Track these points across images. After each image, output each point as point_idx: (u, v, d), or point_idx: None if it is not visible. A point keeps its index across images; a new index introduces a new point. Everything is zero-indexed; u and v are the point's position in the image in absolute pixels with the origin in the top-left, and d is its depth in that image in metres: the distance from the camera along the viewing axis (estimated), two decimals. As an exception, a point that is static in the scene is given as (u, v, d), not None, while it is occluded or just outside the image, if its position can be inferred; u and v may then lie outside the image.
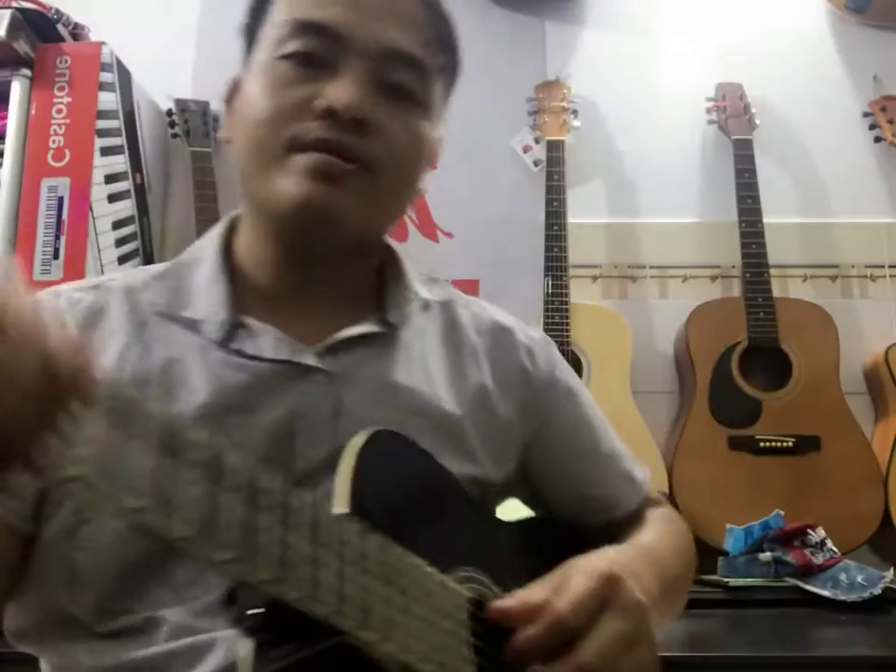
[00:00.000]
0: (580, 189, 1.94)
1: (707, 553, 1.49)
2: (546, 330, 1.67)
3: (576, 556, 0.57)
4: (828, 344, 1.71)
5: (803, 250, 1.92)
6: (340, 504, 0.48)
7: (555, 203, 1.78)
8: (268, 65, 0.65)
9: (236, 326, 0.64)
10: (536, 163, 1.95)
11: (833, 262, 1.90)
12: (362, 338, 0.67)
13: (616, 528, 0.77)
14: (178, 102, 1.90)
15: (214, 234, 0.72)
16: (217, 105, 1.95)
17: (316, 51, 0.63)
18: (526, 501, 0.75)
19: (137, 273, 0.70)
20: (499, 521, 0.69)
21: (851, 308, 1.87)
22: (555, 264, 1.74)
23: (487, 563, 0.59)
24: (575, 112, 1.91)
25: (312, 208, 0.61)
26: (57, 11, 1.75)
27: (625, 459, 0.81)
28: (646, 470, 0.83)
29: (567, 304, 1.71)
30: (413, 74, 0.65)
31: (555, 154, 1.83)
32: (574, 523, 0.78)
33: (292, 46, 0.64)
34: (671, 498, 1.61)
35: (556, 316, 1.70)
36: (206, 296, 0.66)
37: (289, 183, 0.61)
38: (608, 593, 0.52)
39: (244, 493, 0.37)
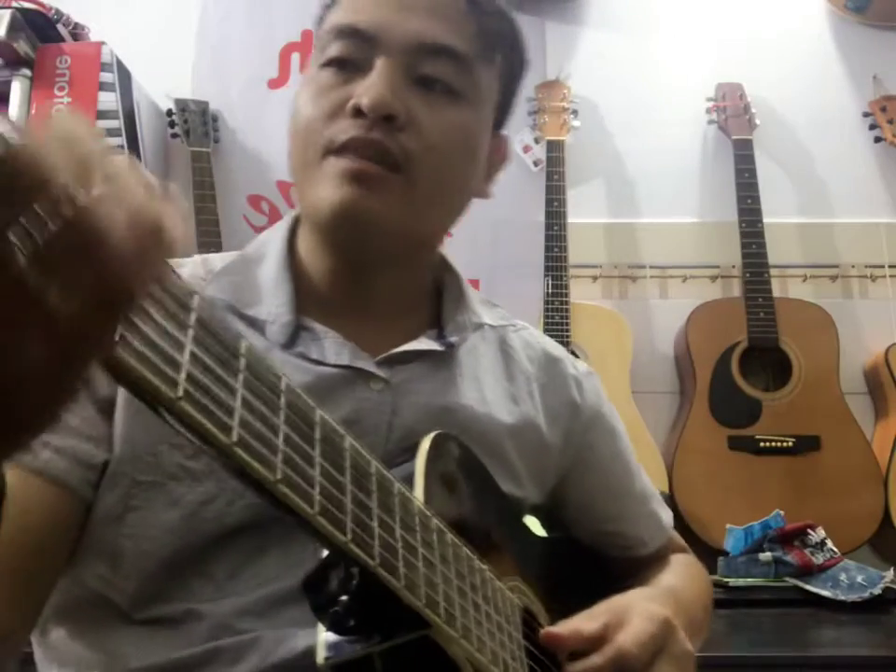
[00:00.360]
0: (580, 189, 1.94)
1: (707, 553, 1.49)
2: (546, 330, 1.67)
3: (606, 587, 0.59)
4: (828, 344, 1.71)
5: (803, 250, 1.92)
6: (416, 496, 0.48)
7: (555, 203, 1.78)
8: (311, 76, 0.66)
9: (299, 328, 0.64)
10: (536, 163, 1.95)
11: (833, 262, 1.91)
12: (419, 353, 0.67)
13: (633, 564, 0.79)
14: (178, 102, 1.90)
15: (279, 231, 0.72)
16: (216, 105, 1.95)
17: (350, 54, 0.63)
18: (546, 526, 0.75)
19: (197, 263, 0.70)
20: (537, 537, 0.70)
21: (851, 308, 1.87)
22: (555, 264, 1.74)
23: (529, 576, 0.60)
24: (575, 112, 1.91)
25: (347, 213, 0.61)
26: (57, 11, 1.75)
27: (654, 500, 0.82)
28: (670, 513, 0.84)
29: (567, 304, 1.71)
30: (447, 64, 0.64)
31: (555, 154, 1.83)
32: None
33: (330, 52, 0.64)
34: (671, 498, 1.61)
35: (556, 316, 1.70)
36: (272, 297, 0.66)
37: (326, 188, 0.61)
38: (664, 639, 0.55)
39: (352, 474, 0.38)
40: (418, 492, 0.49)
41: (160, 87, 1.92)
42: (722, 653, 1.11)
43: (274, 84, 2.00)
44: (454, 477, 0.56)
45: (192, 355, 0.28)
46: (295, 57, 2.01)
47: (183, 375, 0.28)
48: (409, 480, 0.49)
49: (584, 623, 0.55)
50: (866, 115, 1.94)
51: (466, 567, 0.47)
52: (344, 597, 0.41)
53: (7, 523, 0.32)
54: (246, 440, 0.30)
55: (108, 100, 1.70)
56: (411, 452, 0.54)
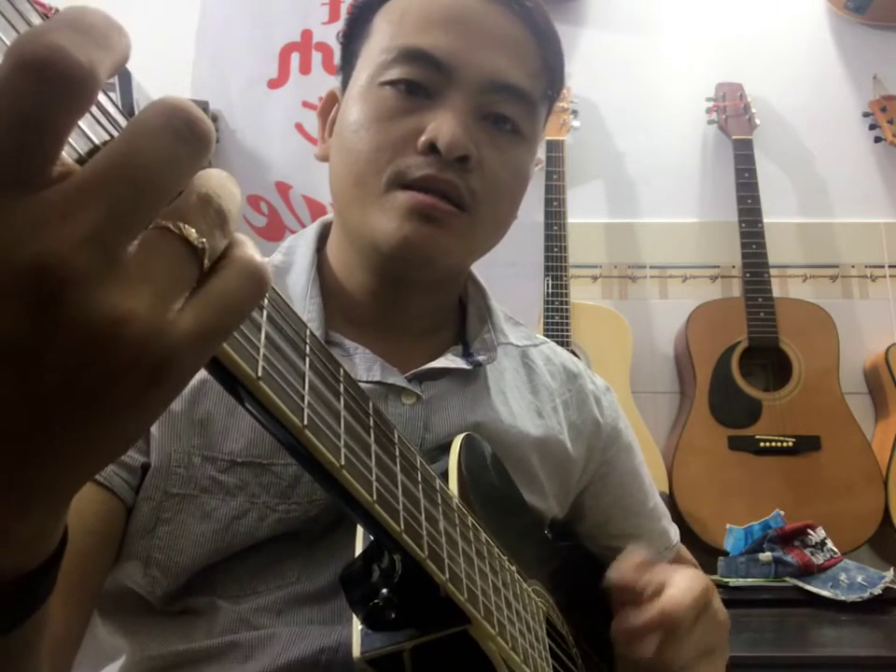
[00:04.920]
0: (580, 189, 1.94)
1: (707, 553, 1.49)
2: (546, 330, 1.67)
3: None
4: (828, 344, 1.71)
5: (803, 250, 1.92)
6: (452, 492, 0.49)
7: (555, 203, 1.78)
8: (369, 90, 0.63)
9: (328, 344, 0.64)
10: (535, 163, 1.95)
11: (833, 262, 1.91)
12: (448, 370, 0.67)
13: None
14: (178, 102, 1.90)
15: (306, 238, 0.71)
16: (215, 105, 1.95)
17: (421, 80, 0.62)
18: (553, 535, 0.75)
19: None
20: (553, 544, 0.71)
21: (851, 308, 1.87)
22: (555, 264, 1.74)
23: (546, 580, 0.60)
24: (575, 112, 1.91)
25: (412, 248, 0.60)
26: (57, 11, 1.75)
27: (665, 518, 0.83)
28: (677, 530, 0.85)
29: (567, 304, 1.71)
30: (518, 105, 0.64)
31: (555, 154, 1.83)
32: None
33: (396, 72, 0.62)
34: (671, 498, 1.61)
35: (556, 316, 1.70)
36: (300, 309, 0.65)
37: (390, 220, 0.60)
38: (707, 600, 0.55)
39: (401, 464, 0.38)
40: (453, 488, 0.49)
41: (160, 87, 1.92)
42: (722, 653, 1.11)
43: (274, 84, 2.00)
44: (482, 477, 0.57)
45: (267, 336, 0.29)
46: (295, 57, 2.01)
47: (261, 356, 0.28)
48: (443, 477, 0.49)
49: (634, 565, 0.56)
50: (866, 115, 1.94)
51: (497, 565, 0.48)
52: (385, 591, 0.41)
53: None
54: (315, 423, 0.30)
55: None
56: (442, 451, 0.55)
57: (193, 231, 0.23)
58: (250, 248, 0.26)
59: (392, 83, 0.62)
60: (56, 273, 0.20)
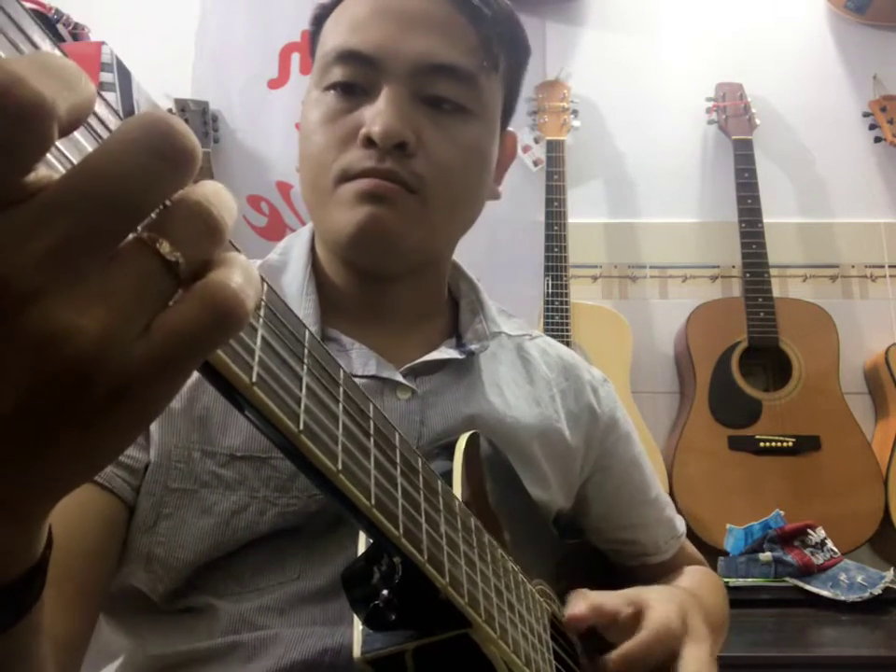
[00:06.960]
0: (580, 189, 1.94)
1: (707, 553, 1.49)
2: (546, 330, 1.67)
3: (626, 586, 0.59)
4: (828, 344, 1.71)
5: (803, 250, 1.92)
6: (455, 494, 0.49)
7: (555, 203, 1.78)
8: (316, 97, 0.65)
9: (325, 339, 0.65)
10: (535, 163, 1.95)
11: (833, 262, 1.91)
12: (442, 362, 0.67)
13: (649, 572, 0.79)
14: (178, 102, 1.90)
15: (301, 238, 0.72)
16: (216, 105, 1.95)
17: (355, 79, 0.63)
18: (561, 532, 0.76)
19: None
20: (558, 541, 0.71)
21: (851, 308, 1.87)
22: (555, 264, 1.74)
23: (552, 579, 0.60)
24: (575, 112, 1.91)
25: (366, 231, 0.61)
26: (57, 11, 1.75)
27: (668, 507, 0.83)
28: (682, 520, 0.85)
29: (567, 304, 1.71)
30: (453, 82, 0.64)
31: (555, 154, 1.83)
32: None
33: (334, 75, 0.64)
34: (671, 498, 1.61)
35: (556, 316, 1.70)
36: (297, 307, 0.66)
37: (342, 213, 0.62)
38: (683, 627, 0.56)
39: (401, 468, 0.38)
40: (456, 490, 0.49)
41: (160, 87, 1.92)
42: (722, 653, 1.10)
43: (274, 84, 2.00)
44: (487, 477, 0.56)
45: (263, 339, 0.28)
46: (295, 57, 2.01)
47: (257, 360, 0.27)
48: (446, 477, 0.49)
49: (608, 599, 0.56)
50: (866, 115, 1.94)
51: (500, 567, 0.48)
52: (385, 592, 0.41)
53: (63, 528, 0.32)
54: (311, 429, 0.30)
55: (108, 100, 1.70)
56: (446, 450, 0.55)
57: (167, 243, 0.22)
58: (228, 272, 0.24)
59: (332, 86, 0.64)
60: (13, 289, 0.20)
